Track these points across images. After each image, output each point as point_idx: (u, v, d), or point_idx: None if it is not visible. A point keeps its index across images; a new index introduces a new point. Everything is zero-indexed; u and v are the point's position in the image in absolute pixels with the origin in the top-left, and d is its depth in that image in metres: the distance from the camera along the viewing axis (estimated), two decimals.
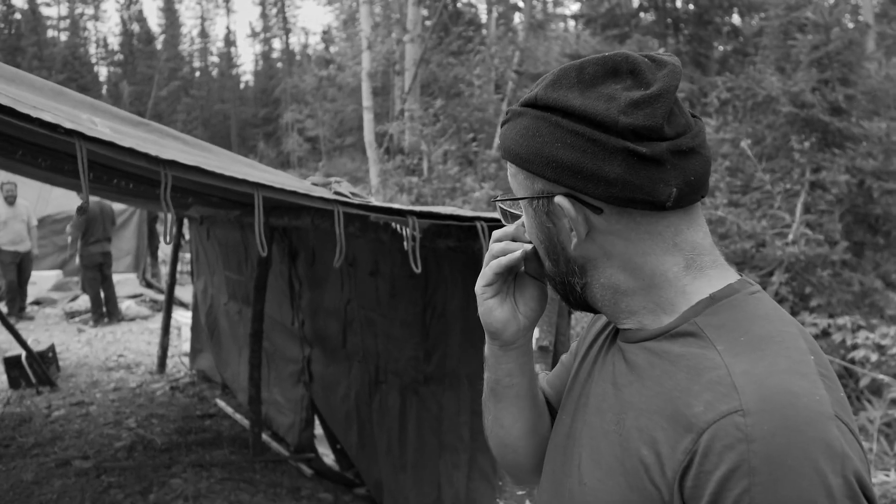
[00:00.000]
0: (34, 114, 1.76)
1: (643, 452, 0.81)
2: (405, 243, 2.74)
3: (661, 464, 0.79)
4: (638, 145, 0.82)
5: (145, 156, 1.80)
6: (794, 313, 6.09)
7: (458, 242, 2.78)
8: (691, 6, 10.56)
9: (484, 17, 23.16)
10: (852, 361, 5.59)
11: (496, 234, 1.03)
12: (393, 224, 2.87)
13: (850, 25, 11.00)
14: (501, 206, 1.04)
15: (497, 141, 15.27)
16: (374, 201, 2.61)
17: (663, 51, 9.43)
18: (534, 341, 2.51)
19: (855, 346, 5.58)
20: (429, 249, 3.12)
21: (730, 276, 0.91)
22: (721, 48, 11.95)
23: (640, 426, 0.84)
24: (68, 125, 1.78)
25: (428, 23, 16.12)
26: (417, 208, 2.41)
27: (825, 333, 5.77)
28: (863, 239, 6.10)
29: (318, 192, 2.27)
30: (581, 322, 5.90)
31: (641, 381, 0.87)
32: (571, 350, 1.18)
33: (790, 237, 6.56)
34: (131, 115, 2.27)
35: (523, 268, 1.02)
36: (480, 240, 2.47)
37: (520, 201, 0.96)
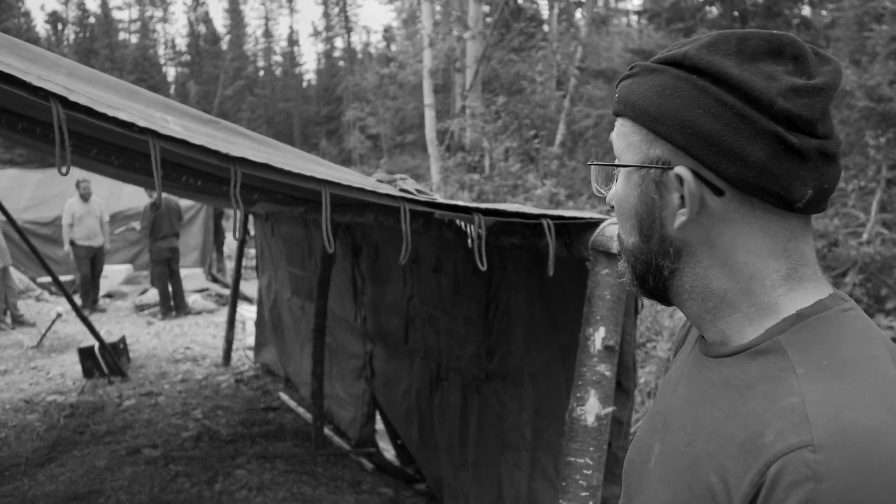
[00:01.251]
0: (111, 113, 1.81)
1: (712, 479, 0.76)
2: (469, 240, 2.72)
3: (729, 493, 0.73)
4: (789, 133, 0.77)
5: (216, 153, 1.83)
6: (869, 316, 5.84)
7: (524, 240, 2.75)
8: None
9: (546, 13, 22.99)
10: None
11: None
12: (457, 221, 2.86)
13: None
14: (596, 169, 0.97)
15: (559, 134, 15.13)
16: (440, 198, 2.61)
17: None
18: (599, 340, 2.48)
19: None
20: (493, 246, 3.10)
21: (823, 290, 0.83)
22: None
23: (710, 451, 0.78)
24: (142, 123, 1.82)
25: (489, 19, 16.07)
26: (483, 205, 2.39)
27: None
28: None
29: (384, 189, 2.27)
30: (645, 322, 5.79)
31: (716, 402, 0.82)
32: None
33: (865, 236, 6.31)
34: (201, 113, 2.32)
35: None
36: (546, 237, 2.44)
37: (622, 168, 0.88)
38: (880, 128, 7.28)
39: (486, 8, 15.45)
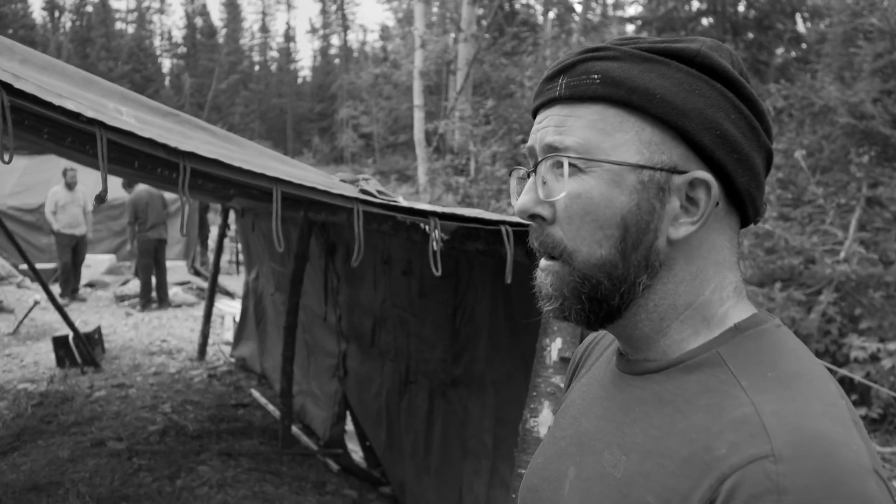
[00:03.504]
0: (57, 102, 1.78)
1: (648, 500, 0.70)
2: (433, 244, 2.70)
3: None
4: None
5: (164, 146, 1.80)
6: (842, 335, 5.85)
7: (488, 245, 2.73)
8: (752, 11, 10.29)
9: (540, 19, 23.01)
10: None
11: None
12: (422, 224, 2.84)
13: None
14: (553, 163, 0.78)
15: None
16: (402, 200, 2.59)
17: None
18: (555, 351, 2.46)
19: None
20: (460, 251, 3.08)
21: (752, 307, 0.81)
22: (782, 55, 11.62)
23: (645, 471, 0.72)
24: (90, 114, 1.80)
25: (483, 22, 16.07)
26: (440, 209, 2.37)
27: (874, 358, 5.53)
28: None
29: (339, 189, 2.25)
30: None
31: (648, 418, 0.76)
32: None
33: (842, 255, 6.31)
34: (161, 106, 2.29)
35: None
36: (505, 243, 2.42)
37: (602, 165, 0.75)
38: (863, 145, 7.30)
39: (481, 10, 15.45)
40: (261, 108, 54.18)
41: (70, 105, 1.78)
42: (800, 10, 10.19)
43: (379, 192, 2.49)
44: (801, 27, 11.73)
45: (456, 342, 3.61)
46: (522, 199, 0.80)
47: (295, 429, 5.35)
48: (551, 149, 0.78)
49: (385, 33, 48.31)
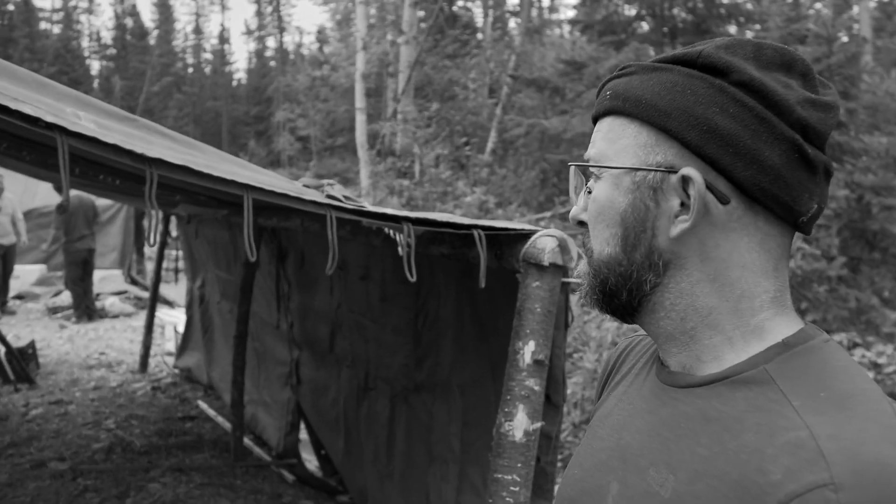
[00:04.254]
0: (14, 105, 1.67)
1: None
2: (399, 249, 2.65)
3: None
4: (805, 143, 0.74)
5: (130, 153, 1.71)
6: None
7: (453, 250, 2.70)
8: (690, 16, 10.52)
9: (480, 21, 23.13)
10: None
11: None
12: (386, 229, 2.79)
13: (845, 39, 11.01)
14: (579, 172, 0.87)
15: (490, 142, 15.19)
16: (368, 205, 2.53)
17: None
18: (529, 354, 2.44)
19: None
20: (422, 256, 3.04)
21: (799, 318, 0.79)
22: None
23: (696, 492, 0.71)
24: (50, 118, 1.69)
25: (423, 25, 16.04)
26: (413, 214, 2.33)
27: None
28: (860, 255, 6.03)
29: (310, 195, 2.18)
30: (573, 332, 5.82)
31: (695, 436, 0.74)
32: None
33: None
34: (118, 110, 2.18)
35: None
36: (477, 248, 2.39)
37: (608, 170, 0.80)
38: None
39: (422, 13, 15.43)
40: (195, 111, 52.96)
41: (27, 109, 1.68)
42: (735, 16, 10.47)
43: (346, 197, 2.43)
44: (736, 32, 12.05)
45: (418, 347, 3.56)
46: (573, 209, 0.88)
47: (247, 440, 5.22)
48: (585, 162, 0.85)
49: (322, 35, 47.89)
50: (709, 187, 0.74)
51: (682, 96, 0.75)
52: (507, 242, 2.43)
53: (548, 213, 11.12)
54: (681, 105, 0.75)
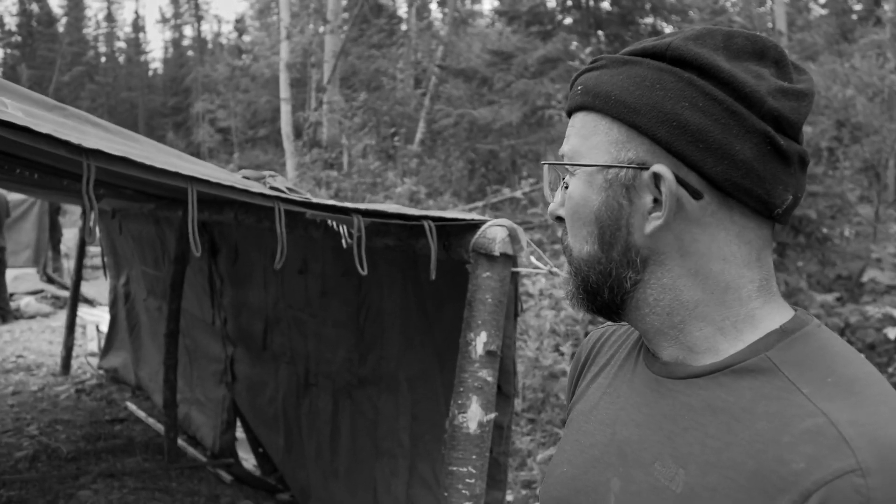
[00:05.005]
0: None
1: None
2: (343, 241, 2.59)
3: None
4: (777, 134, 0.73)
5: (66, 144, 1.60)
6: None
7: (399, 241, 2.65)
8: (615, 8, 10.69)
9: (403, 12, 22.99)
10: None
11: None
12: (329, 221, 2.72)
13: (763, 34, 11.34)
14: (552, 171, 0.87)
15: (419, 133, 15.14)
16: (313, 198, 2.46)
17: (589, 50, 9.53)
18: (481, 345, 2.43)
19: None
20: (365, 248, 2.99)
21: (788, 306, 0.80)
22: None
23: (710, 484, 0.70)
24: None
25: (346, 14, 15.84)
26: (362, 206, 2.28)
27: None
28: (786, 240, 6.25)
29: (256, 188, 2.10)
30: (525, 324, 5.85)
31: (702, 427, 0.73)
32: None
33: None
34: (45, 98, 2.05)
35: None
36: (427, 239, 2.35)
37: (581, 167, 0.79)
38: None
39: (345, 2, 15.22)
40: (109, 101, 51.00)
41: None
42: (659, 9, 10.67)
43: (289, 188, 2.36)
44: (661, 24, 12.30)
45: (361, 341, 3.50)
46: (551, 204, 0.87)
47: (180, 441, 5.06)
48: (560, 157, 0.84)
49: (241, 24, 46.76)
50: (681, 183, 0.74)
51: (651, 91, 0.74)
52: (456, 233, 2.41)
53: (480, 203, 11.15)
54: (650, 101, 0.74)
